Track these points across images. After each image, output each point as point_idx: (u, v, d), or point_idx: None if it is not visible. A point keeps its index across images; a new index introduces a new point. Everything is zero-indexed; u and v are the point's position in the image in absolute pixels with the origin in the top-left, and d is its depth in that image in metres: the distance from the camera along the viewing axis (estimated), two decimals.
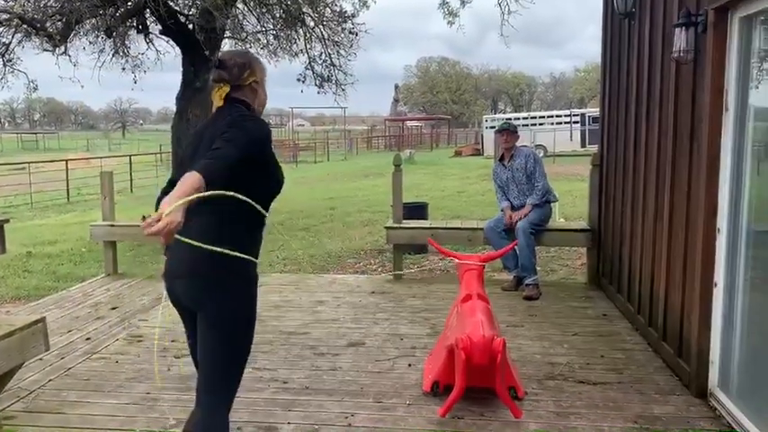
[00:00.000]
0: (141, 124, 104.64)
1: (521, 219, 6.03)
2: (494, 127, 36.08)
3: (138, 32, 12.58)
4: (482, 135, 35.98)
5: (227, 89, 2.42)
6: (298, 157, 34.24)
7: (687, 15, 3.66)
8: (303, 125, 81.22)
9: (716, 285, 3.61)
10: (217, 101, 2.44)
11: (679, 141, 4.08)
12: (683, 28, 3.67)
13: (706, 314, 3.66)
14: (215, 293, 2.29)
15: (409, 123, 58.35)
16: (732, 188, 3.48)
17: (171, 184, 2.43)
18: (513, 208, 6.22)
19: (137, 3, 10.90)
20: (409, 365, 4.21)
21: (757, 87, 3.33)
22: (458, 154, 36.08)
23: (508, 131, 6.27)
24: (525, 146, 6.70)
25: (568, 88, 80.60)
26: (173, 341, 4.77)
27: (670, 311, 4.23)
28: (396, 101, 63.09)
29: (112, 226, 6.91)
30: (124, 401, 3.74)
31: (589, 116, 33.16)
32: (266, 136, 2.34)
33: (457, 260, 4.19)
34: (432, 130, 56.50)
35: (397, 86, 64.20)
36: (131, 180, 22.80)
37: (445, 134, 57.69)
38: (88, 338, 4.87)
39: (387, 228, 6.65)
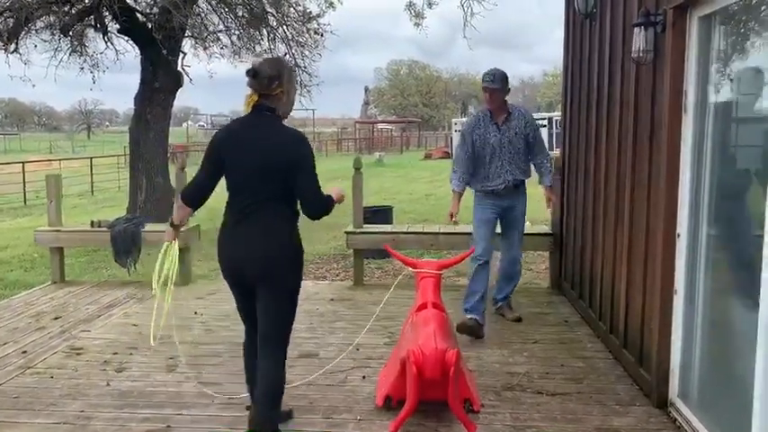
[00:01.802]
0: (107, 126, 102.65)
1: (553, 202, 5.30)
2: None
3: (95, 31, 12.21)
4: (452, 138, 35.99)
5: (256, 98, 2.92)
6: None
7: (646, 15, 3.56)
8: None
9: (676, 293, 3.51)
10: (246, 107, 2.95)
11: (639, 144, 3.98)
12: (642, 28, 3.56)
13: (666, 322, 3.55)
14: (283, 270, 2.96)
15: (379, 126, 58.28)
16: (692, 192, 3.38)
17: (197, 189, 3.12)
18: (496, 189, 4.97)
19: (92, 0, 10.56)
20: (363, 378, 4.03)
21: (716, 88, 3.24)
22: (428, 157, 36.04)
23: (492, 89, 4.83)
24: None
25: (537, 92, 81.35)
26: (115, 354, 4.53)
27: (631, 319, 4.13)
28: (366, 103, 63.05)
29: (59, 231, 6.59)
30: (55, 421, 3.49)
31: (556, 120, 33.42)
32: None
33: (412, 268, 4.03)
34: (402, 132, 56.46)
35: (367, 89, 64.17)
36: (92, 183, 22.22)
37: (415, 137, 57.69)
38: (24, 351, 4.58)
39: (347, 232, 6.47)
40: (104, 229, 6.47)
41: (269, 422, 3.05)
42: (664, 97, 3.49)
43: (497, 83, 4.83)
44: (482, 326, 4.79)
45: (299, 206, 3.00)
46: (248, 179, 2.94)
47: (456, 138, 34.13)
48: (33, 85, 11.59)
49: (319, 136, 48.77)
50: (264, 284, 2.98)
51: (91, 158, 23.70)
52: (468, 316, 4.79)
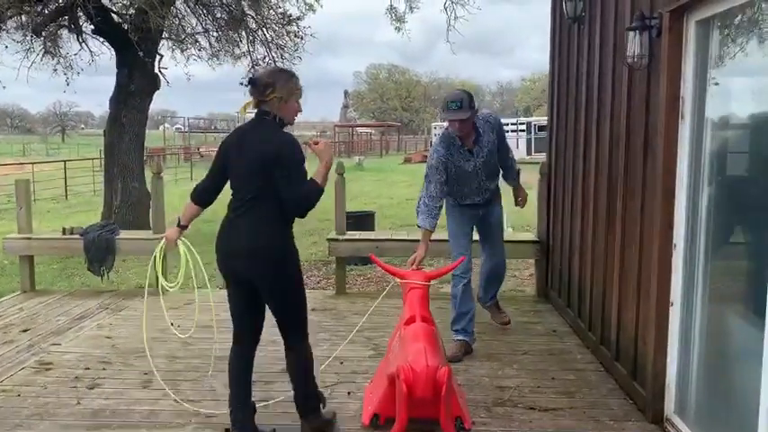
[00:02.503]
0: (82, 128, 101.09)
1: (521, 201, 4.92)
2: None
3: (69, 32, 11.91)
4: (431, 142, 36.01)
5: (252, 102, 3.11)
6: None
7: (641, 18, 3.46)
8: None
9: (672, 305, 3.40)
10: (242, 111, 3.20)
11: (632, 151, 3.88)
12: (637, 32, 3.46)
13: (662, 335, 3.45)
14: (271, 270, 3.03)
15: (359, 129, 58.12)
16: (689, 201, 3.28)
17: (203, 189, 3.28)
18: (468, 206, 4.71)
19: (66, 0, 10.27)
20: (348, 394, 3.87)
21: (715, 94, 3.14)
22: (407, 161, 35.97)
23: (459, 119, 4.27)
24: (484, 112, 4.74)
25: (514, 97, 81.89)
26: (87, 369, 4.32)
27: (623, 331, 4.02)
28: (345, 107, 62.83)
29: (29, 239, 6.33)
30: None
31: (535, 125, 33.70)
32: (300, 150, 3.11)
33: (400, 279, 3.88)
34: (381, 136, 56.35)
35: (346, 92, 63.98)
36: (66, 186, 21.75)
37: (395, 141, 57.65)
38: None
39: (329, 240, 6.30)
40: (77, 236, 6.23)
41: (305, 398, 3.24)
42: (659, 103, 3.39)
43: (465, 110, 4.22)
44: (471, 344, 4.63)
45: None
46: (243, 178, 3.08)
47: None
48: (3, 87, 11.23)
49: (299, 139, 48.31)
50: (258, 283, 3.07)
51: (65, 162, 23.19)
52: (459, 338, 4.59)
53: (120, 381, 4.11)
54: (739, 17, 3.03)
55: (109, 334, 5.07)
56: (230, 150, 3.15)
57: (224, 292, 3.28)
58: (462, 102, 4.24)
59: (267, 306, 3.18)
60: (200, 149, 38.33)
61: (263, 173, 2.97)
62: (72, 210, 17.46)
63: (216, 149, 3.38)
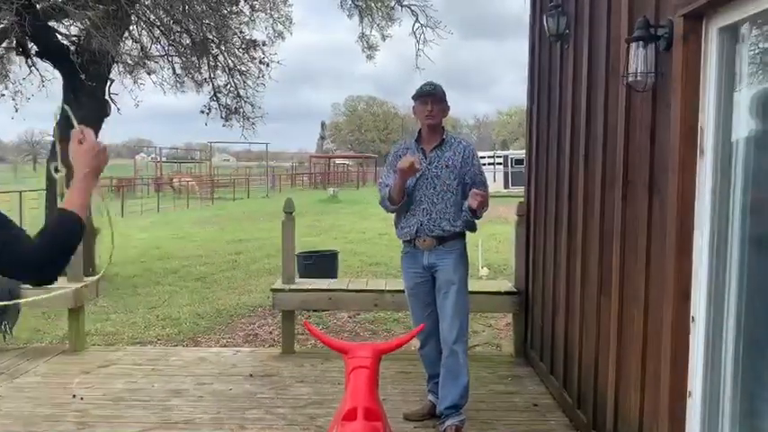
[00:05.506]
0: None
1: (477, 208, 3.63)
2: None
3: (17, 54, 11.10)
4: None
5: None
6: (215, 193, 32.51)
7: (645, 26, 2.72)
8: (228, 160, 79.55)
9: (690, 395, 2.60)
10: None
11: (632, 195, 3.12)
12: (640, 43, 2.72)
13: None
14: None
15: (336, 161, 57.58)
16: (712, 261, 2.50)
17: None
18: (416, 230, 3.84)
19: (9, 20, 9.43)
20: None
21: (746, 123, 2.39)
22: None
23: (433, 97, 3.87)
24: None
25: (491, 130, 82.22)
26: None
27: (623, 418, 3.20)
28: (322, 138, 62.42)
29: None
30: None
31: (512, 158, 33.45)
32: None
33: (342, 353, 3.03)
34: (358, 168, 55.79)
35: (323, 124, 63.73)
36: (21, 217, 20.62)
37: (372, 173, 57.06)
38: None
39: (273, 290, 5.43)
40: None
41: None
42: (670, 136, 2.64)
43: (439, 92, 3.88)
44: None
45: None
46: None
47: None
48: None
49: (273, 170, 47.56)
50: None
51: (20, 192, 22.06)
52: (428, 398, 4.11)
53: None
54: None
55: None
56: None
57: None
58: (437, 87, 3.92)
59: None
60: (173, 180, 37.00)
61: None
62: None
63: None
